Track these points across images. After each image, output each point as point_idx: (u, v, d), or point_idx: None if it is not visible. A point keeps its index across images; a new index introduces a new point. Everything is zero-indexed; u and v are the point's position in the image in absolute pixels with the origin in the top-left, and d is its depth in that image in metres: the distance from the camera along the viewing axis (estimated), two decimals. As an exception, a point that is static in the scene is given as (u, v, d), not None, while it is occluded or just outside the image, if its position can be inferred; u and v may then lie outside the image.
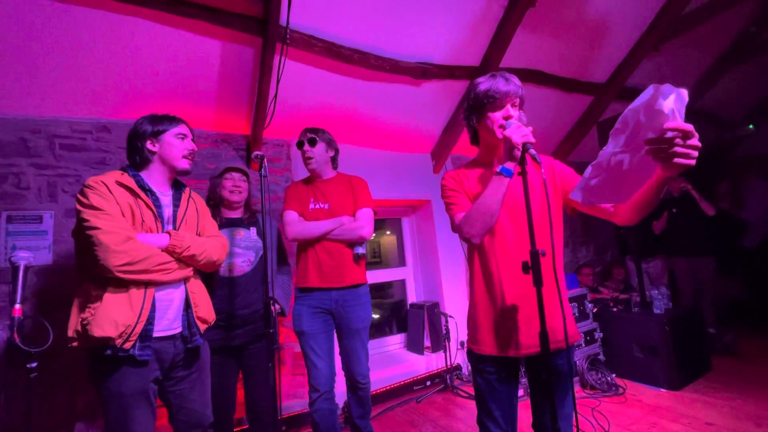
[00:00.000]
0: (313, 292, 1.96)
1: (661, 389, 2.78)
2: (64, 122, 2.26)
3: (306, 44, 2.34)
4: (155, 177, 1.48)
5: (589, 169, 1.02)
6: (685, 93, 0.82)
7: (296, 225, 1.97)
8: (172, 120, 1.51)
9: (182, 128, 1.51)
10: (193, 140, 1.56)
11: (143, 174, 1.46)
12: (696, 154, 0.83)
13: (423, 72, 2.82)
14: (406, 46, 2.69)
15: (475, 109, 1.31)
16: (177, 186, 1.57)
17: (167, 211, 1.48)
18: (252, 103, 2.59)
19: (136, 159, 1.46)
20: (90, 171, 2.28)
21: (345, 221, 1.98)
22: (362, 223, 1.98)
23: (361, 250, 2.01)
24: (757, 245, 4.13)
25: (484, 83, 1.27)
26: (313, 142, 2.02)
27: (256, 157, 1.58)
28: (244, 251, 1.92)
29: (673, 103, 0.82)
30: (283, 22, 2.13)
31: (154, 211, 1.41)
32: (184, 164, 1.50)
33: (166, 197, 1.50)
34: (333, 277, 1.95)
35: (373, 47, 2.59)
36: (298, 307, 1.98)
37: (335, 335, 2.03)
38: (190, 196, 1.60)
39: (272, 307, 1.91)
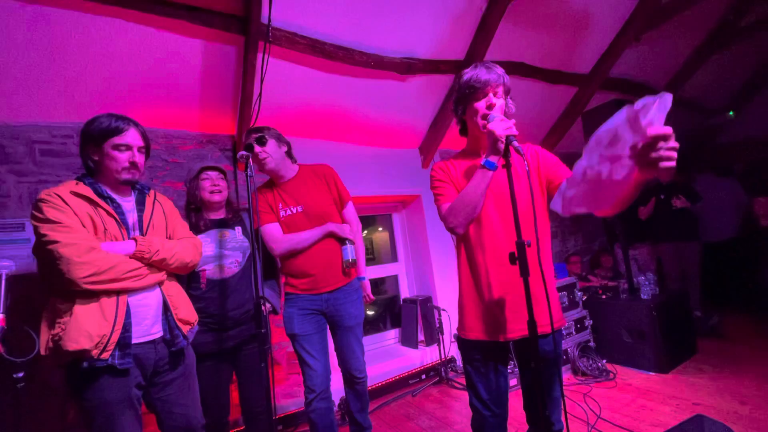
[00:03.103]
0: (303, 294, 1.92)
1: (650, 373, 2.85)
2: (44, 127, 2.21)
3: (289, 42, 2.32)
4: (111, 183, 1.41)
5: (564, 184, 1.05)
6: (669, 98, 0.82)
7: (282, 242, 1.87)
8: (116, 129, 1.36)
9: (125, 138, 1.37)
10: (144, 148, 1.44)
11: (99, 180, 1.39)
12: (675, 155, 0.85)
13: (408, 67, 2.82)
14: (390, 41, 2.68)
15: (460, 101, 1.34)
16: (140, 190, 1.50)
17: (131, 217, 1.42)
18: (236, 102, 2.56)
19: (87, 165, 1.40)
20: (72, 177, 2.20)
21: (332, 228, 1.92)
22: (350, 225, 2.01)
23: (351, 257, 1.94)
24: (726, 240, 4.21)
25: (467, 74, 1.30)
26: (262, 141, 1.87)
27: (241, 157, 1.56)
28: (231, 252, 1.89)
29: (653, 113, 0.83)
30: (264, 19, 2.10)
31: (117, 218, 1.36)
32: (124, 176, 1.39)
33: (128, 202, 1.44)
34: (322, 283, 1.90)
35: (357, 43, 2.58)
36: (288, 309, 1.92)
37: (328, 333, 2.02)
38: (155, 198, 1.54)
39: (263, 307, 1.91)
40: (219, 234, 1.90)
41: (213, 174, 1.93)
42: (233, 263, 1.88)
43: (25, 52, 1.90)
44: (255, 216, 1.56)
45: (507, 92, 1.32)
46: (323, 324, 1.96)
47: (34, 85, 2.04)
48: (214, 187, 1.90)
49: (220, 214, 1.97)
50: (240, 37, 2.21)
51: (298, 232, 1.90)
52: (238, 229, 1.95)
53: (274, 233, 1.90)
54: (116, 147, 1.36)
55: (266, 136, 1.89)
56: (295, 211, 1.92)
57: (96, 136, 1.35)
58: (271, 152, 1.89)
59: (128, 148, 1.38)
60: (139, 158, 1.42)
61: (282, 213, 1.93)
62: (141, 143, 1.43)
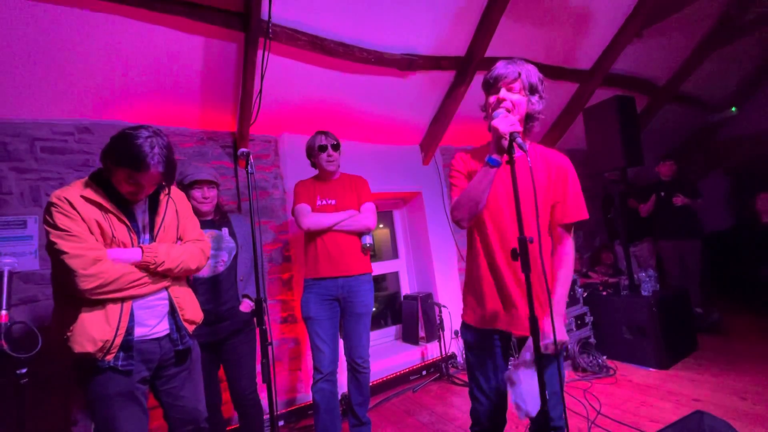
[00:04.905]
0: (322, 281, 2.10)
1: (650, 369, 2.85)
2: (44, 124, 2.21)
3: (289, 38, 2.31)
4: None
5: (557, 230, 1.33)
6: None
7: (310, 216, 2.13)
8: (138, 165, 1.26)
9: (139, 177, 1.29)
10: (153, 185, 1.37)
11: (111, 180, 1.33)
12: None
13: (409, 63, 2.81)
14: (390, 37, 2.67)
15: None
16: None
17: (142, 219, 1.41)
18: (237, 99, 2.56)
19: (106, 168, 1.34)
20: (73, 173, 2.23)
21: (352, 213, 2.16)
22: (366, 215, 2.19)
23: (368, 242, 2.18)
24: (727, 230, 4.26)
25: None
26: (337, 148, 2.21)
27: (242, 154, 1.56)
28: (220, 253, 1.97)
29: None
30: (264, 16, 2.10)
31: (128, 224, 1.34)
32: (128, 198, 1.35)
33: (140, 204, 1.42)
34: (341, 266, 2.10)
35: (357, 40, 2.57)
36: (306, 294, 2.13)
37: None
38: (169, 196, 1.50)
39: (248, 305, 1.97)
40: (214, 236, 1.96)
41: (204, 186, 1.98)
42: (220, 263, 1.95)
43: (27, 49, 1.90)
44: (253, 215, 1.55)
45: (531, 90, 1.27)
46: (337, 311, 2.14)
47: (35, 83, 2.04)
48: (204, 198, 1.97)
49: (208, 216, 2.02)
50: (240, 33, 2.20)
51: (324, 213, 2.17)
52: (225, 230, 2.02)
53: (304, 210, 2.15)
54: (126, 179, 1.30)
55: (339, 144, 2.24)
56: (328, 202, 2.21)
57: (118, 156, 1.27)
58: (337, 158, 2.22)
59: (138, 185, 1.32)
60: (145, 192, 1.37)
61: (318, 202, 2.20)
62: (153, 184, 1.36)
